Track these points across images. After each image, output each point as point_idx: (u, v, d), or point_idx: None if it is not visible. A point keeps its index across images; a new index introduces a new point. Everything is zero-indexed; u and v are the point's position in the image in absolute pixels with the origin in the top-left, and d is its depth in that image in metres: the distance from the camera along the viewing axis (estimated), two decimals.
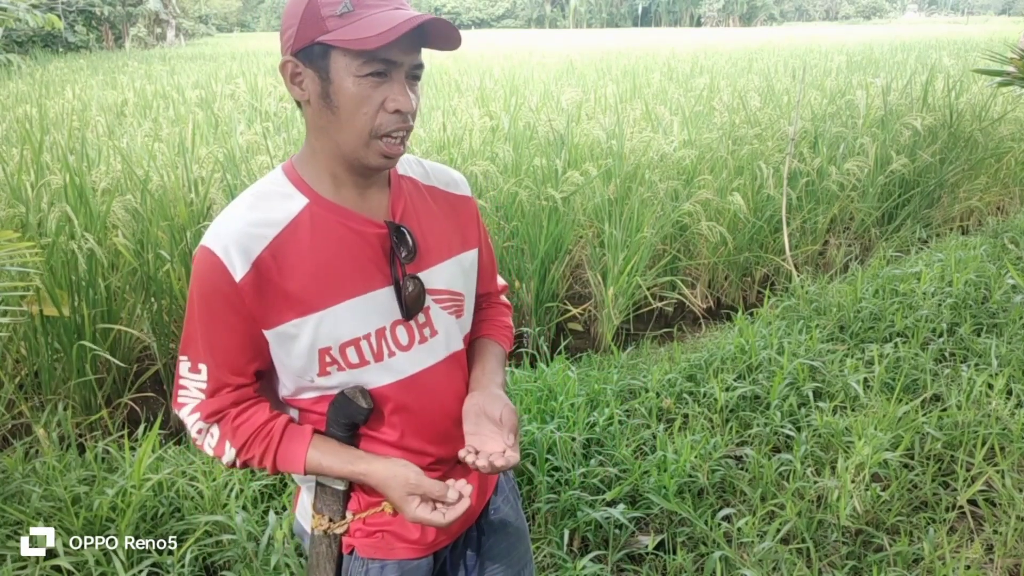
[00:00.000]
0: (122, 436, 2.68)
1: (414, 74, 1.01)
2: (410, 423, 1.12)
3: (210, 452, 1.09)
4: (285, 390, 1.12)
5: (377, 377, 1.08)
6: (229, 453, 1.08)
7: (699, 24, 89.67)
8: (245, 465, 1.09)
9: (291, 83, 1.01)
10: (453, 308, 1.16)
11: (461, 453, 1.05)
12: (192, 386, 1.07)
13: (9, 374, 3.20)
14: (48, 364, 3.17)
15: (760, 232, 4.93)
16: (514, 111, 6.27)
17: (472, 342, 1.26)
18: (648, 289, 4.27)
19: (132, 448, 2.52)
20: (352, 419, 1.08)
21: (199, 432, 1.09)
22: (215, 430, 1.08)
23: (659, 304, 4.48)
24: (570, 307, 4.37)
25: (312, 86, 0.99)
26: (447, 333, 1.15)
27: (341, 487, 1.14)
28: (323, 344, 1.03)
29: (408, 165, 1.18)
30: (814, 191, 5.21)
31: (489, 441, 1.06)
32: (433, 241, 1.13)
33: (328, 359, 1.05)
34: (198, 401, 1.07)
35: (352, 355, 1.06)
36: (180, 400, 1.09)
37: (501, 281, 1.37)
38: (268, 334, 1.03)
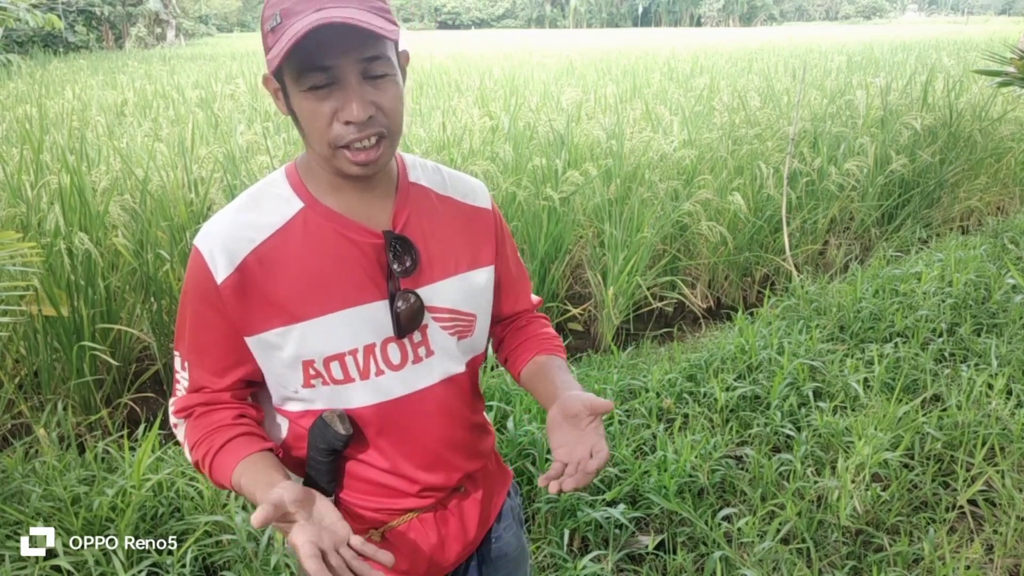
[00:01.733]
0: (122, 436, 2.68)
1: (371, 72, 0.91)
2: (397, 447, 1.07)
3: (183, 441, 1.06)
4: (274, 397, 1.08)
5: (362, 396, 1.02)
6: (188, 451, 1.04)
7: (699, 24, 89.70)
8: (198, 467, 1.03)
9: (275, 99, 0.98)
10: (455, 329, 1.08)
11: (541, 481, 0.94)
12: (182, 380, 1.05)
13: (9, 374, 3.20)
14: (48, 364, 3.17)
15: (760, 232, 4.93)
16: (514, 111, 6.27)
17: (528, 364, 1.18)
18: (648, 289, 4.27)
19: (132, 448, 2.52)
20: (330, 445, 1.01)
21: (174, 427, 1.07)
22: (182, 427, 1.05)
23: (659, 304, 4.48)
24: (570, 307, 4.37)
25: (282, 98, 0.97)
26: (444, 354, 1.08)
27: None
28: (307, 356, 0.99)
29: (425, 172, 1.10)
30: (814, 191, 5.21)
31: (577, 447, 0.95)
32: (438, 256, 1.05)
33: (312, 371, 1.00)
34: (177, 396, 1.06)
35: (336, 370, 1.01)
36: (176, 393, 1.07)
37: (535, 297, 1.29)
38: (250, 341, 0.99)
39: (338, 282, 0.99)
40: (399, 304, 1.00)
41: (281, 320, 0.98)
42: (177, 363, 1.05)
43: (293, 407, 1.06)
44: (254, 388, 1.07)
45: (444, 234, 1.07)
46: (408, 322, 1.01)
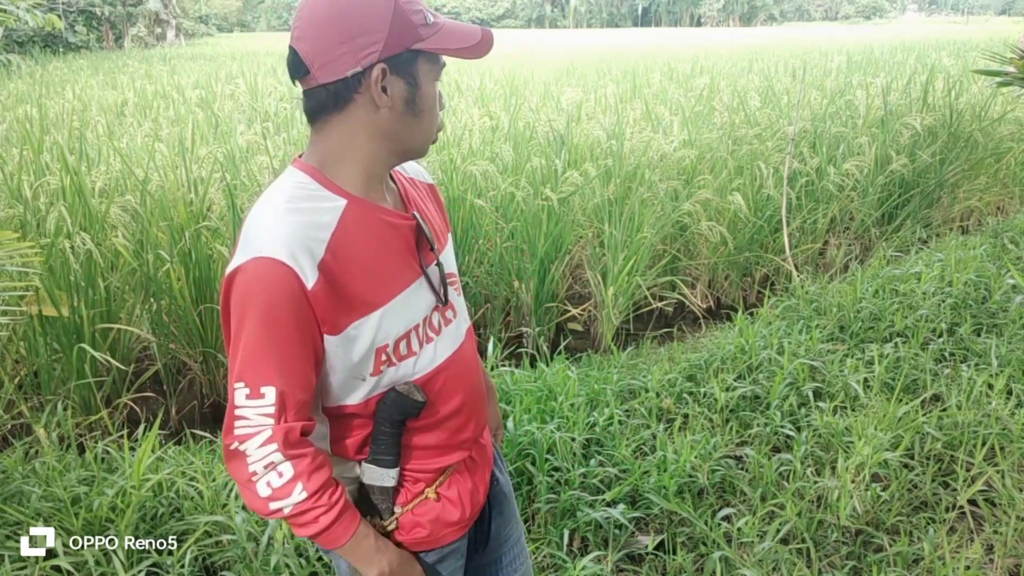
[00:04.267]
0: (122, 436, 2.68)
1: None
2: (449, 405, 1.16)
3: (265, 492, 0.98)
4: (330, 397, 1.07)
5: (422, 366, 1.12)
6: (294, 498, 0.99)
7: (699, 24, 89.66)
8: (296, 514, 1.00)
9: (375, 89, 0.98)
10: (458, 288, 1.23)
11: None
12: (254, 414, 0.97)
13: (9, 374, 3.20)
14: (47, 364, 3.17)
15: (760, 232, 4.92)
16: (514, 111, 6.27)
17: None
18: (648, 289, 4.27)
19: (132, 448, 2.52)
20: (406, 414, 1.10)
21: (267, 467, 0.98)
22: (287, 468, 0.98)
23: (659, 304, 4.48)
24: (570, 307, 4.37)
25: (398, 92, 1.00)
26: (461, 312, 1.22)
27: (391, 483, 1.13)
28: (381, 342, 1.05)
29: None
30: (814, 191, 5.21)
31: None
32: (437, 227, 1.20)
33: (384, 357, 1.06)
34: (266, 429, 0.97)
35: (403, 348, 1.09)
36: (239, 432, 0.98)
37: None
38: (333, 339, 1.00)
39: (395, 266, 1.07)
40: (436, 275, 1.13)
41: (359, 312, 1.03)
42: (240, 396, 0.97)
43: (357, 396, 1.07)
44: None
45: (429, 209, 1.20)
46: (441, 289, 1.15)
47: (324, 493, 1.02)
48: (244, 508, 2.24)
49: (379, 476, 1.12)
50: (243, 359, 0.96)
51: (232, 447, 0.99)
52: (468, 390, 1.19)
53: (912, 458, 2.60)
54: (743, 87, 8.56)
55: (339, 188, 1.03)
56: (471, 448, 1.23)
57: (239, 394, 0.97)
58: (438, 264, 1.14)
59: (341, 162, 1.03)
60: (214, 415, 3.57)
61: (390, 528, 1.15)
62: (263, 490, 0.99)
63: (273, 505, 0.99)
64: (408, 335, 1.09)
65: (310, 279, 0.95)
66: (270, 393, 0.97)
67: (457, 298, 1.21)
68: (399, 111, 1.01)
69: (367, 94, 0.99)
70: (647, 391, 3.04)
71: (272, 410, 0.97)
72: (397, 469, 1.13)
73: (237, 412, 0.98)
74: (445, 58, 1.06)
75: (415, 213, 1.12)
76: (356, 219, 1.03)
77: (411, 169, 1.25)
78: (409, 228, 1.10)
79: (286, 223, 0.96)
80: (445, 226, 1.25)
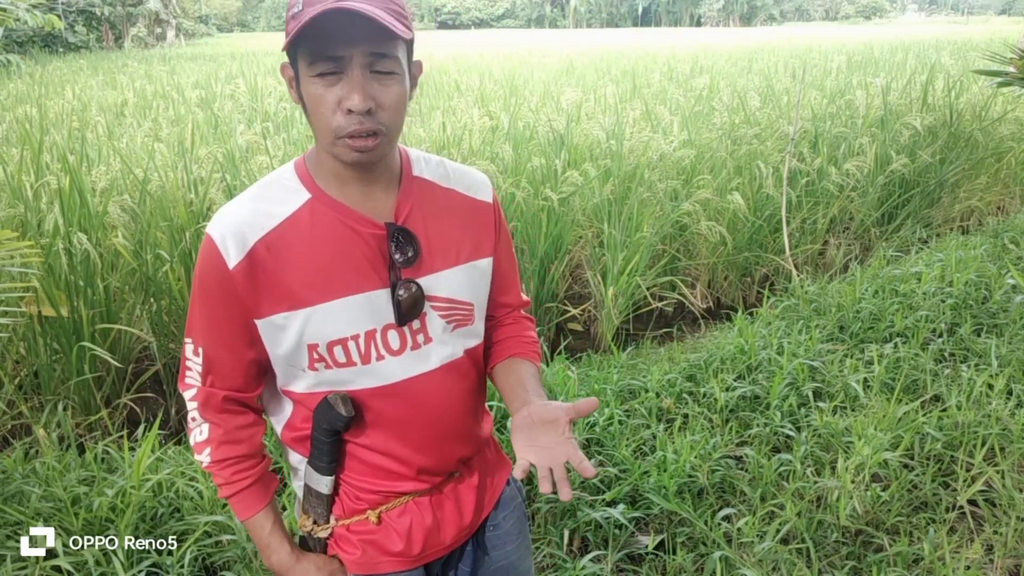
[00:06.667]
0: (122, 436, 2.68)
1: (378, 67, 0.93)
2: (395, 431, 1.10)
3: (193, 440, 1.12)
4: (280, 379, 1.11)
5: (362, 380, 1.06)
6: (203, 458, 1.11)
7: (699, 24, 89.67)
8: (209, 473, 1.14)
9: (289, 88, 1.02)
10: (452, 317, 1.11)
11: (517, 472, 0.92)
12: (194, 368, 1.08)
13: (9, 374, 3.20)
14: (47, 364, 3.17)
15: (760, 232, 4.92)
16: (514, 111, 6.27)
17: (503, 362, 1.22)
18: (648, 289, 4.27)
19: (132, 448, 2.52)
20: (332, 425, 1.07)
21: (192, 420, 1.11)
22: (205, 428, 1.10)
23: (659, 304, 4.48)
24: (570, 307, 4.37)
25: (295, 90, 1.00)
26: (442, 342, 1.11)
27: (325, 491, 1.13)
28: (311, 340, 1.03)
29: (429, 166, 1.13)
30: (814, 191, 5.21)
31: (555, 451, 0.94)
32: (440, 247, 1.09)
33: (316, 355, 1.04)
34: (196, 387, 1.09)
35: (339, 354, 1.04)
36: (186, 380, 1.11)
37: (524, 296, 1.30)
38: (259, 323, 1.04)
39: (341, 270, 1.02)
40: (400, 292, 1.04)
41: (287, 305, 1.02)
42: (188, 349, 1.09)
43: (299, 387, 1.09)
44: (265, 376, 1.12)
45: (446, 226, 1.10)
46: (408, 310, 1.05)
47: (226, 467, 1.10)
48: None
49: (315, 480, 1.12)
50: (190, 317, 1.08)
51: (181, 392, 1.12)
52: (424, 421, 1.11)
53: (912, 458, 2.60)
54: (743, 87, 8.56)
55: (313, 183, 1.04)
56: (428, 483, 1.15)
57: (187, 348, 1.09)
58: (411, 283, 1.04)
59: (316, 158, 1.06)
60: None
61: (322, 535, 1.16)
62: (192, 438, 1.12)
63: (195, 456, 1.12)
64: (344, 342, 1.03)
65: (232, 260, 0.99)
66: (201, 353, 1.07)
67: (445, 326, 1.10)
68: (303, 105, 0.99)
69: None
70: (647, 391, 3.04)
71: (201, 370, 1.08)
72: (331, 478, 1.12)
73: (185, 363, 1.10)
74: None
75: (389, 223, 1.04)
76: (312, 216, 1.02)
77: (458, 181, 1.14)
78: (375, 237, 1.03)
79: (237, 207, 1.02)
80: (472, 250, 1.12)
